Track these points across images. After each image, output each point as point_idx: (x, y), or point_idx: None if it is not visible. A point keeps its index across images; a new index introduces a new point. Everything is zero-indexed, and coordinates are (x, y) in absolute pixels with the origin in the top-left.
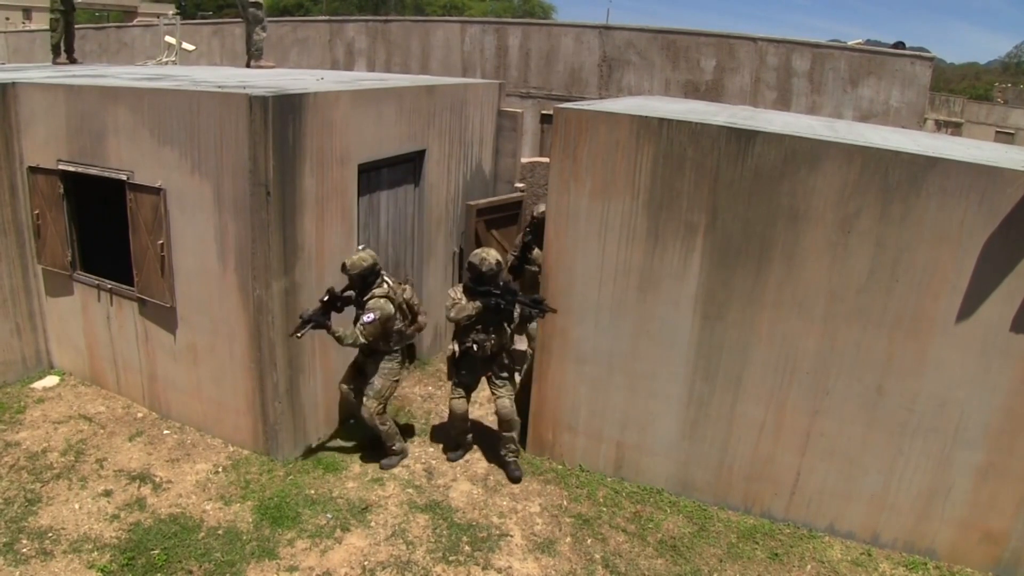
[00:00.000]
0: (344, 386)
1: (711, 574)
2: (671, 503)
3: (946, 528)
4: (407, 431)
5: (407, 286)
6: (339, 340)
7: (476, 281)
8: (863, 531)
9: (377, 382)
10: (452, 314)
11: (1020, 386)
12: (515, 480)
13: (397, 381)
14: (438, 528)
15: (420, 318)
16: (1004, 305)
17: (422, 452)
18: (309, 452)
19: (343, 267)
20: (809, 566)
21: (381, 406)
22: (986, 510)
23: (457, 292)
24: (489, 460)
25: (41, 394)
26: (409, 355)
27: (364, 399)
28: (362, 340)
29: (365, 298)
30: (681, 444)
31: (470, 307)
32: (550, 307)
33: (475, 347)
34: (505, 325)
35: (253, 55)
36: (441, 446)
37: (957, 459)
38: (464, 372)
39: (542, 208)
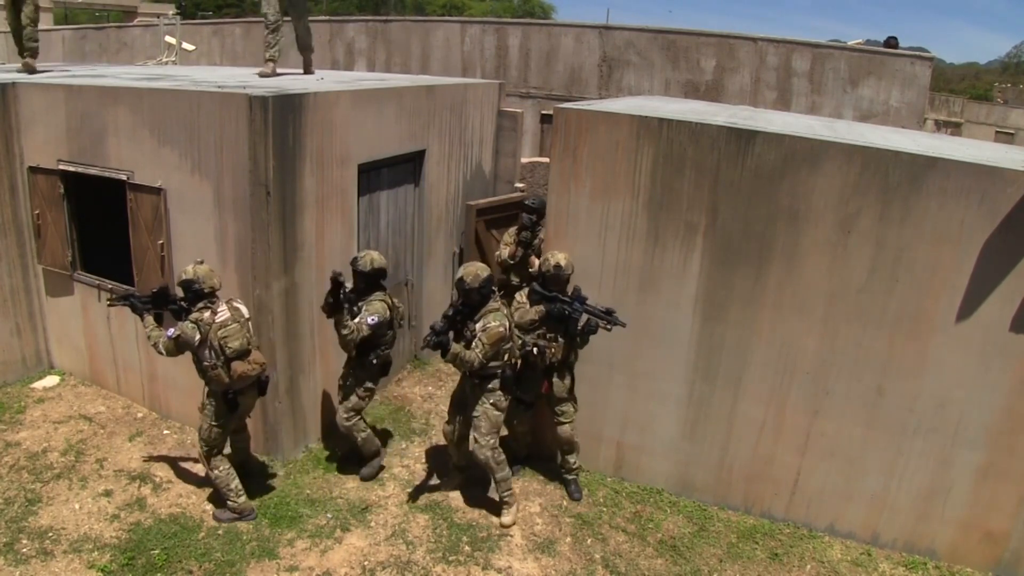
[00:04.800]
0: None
1: (711, 574)
2: (671, 503)
3: (946, 528)
4: (407, 432)
5: (236, 325)
6: (148, 336)
7: (543, 284)
8: (863, 531)
9: (202, 419)
10: (515, 318)
11: (1020, 386)
12: (575, 500)
13: (219, 428)
14: (438, 528)
15: (236, 364)
16: (1004, 305)
17: (422, 452)
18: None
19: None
20: (809, 566)
21: (206, 449)
22: (986, 510)
23: (522, 296)
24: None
25: (41, 394)
26: (230, 406)
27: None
28: (161, 349)
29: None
30: (681, 444)
31: (532, 311)
32: (620, 320)
33: (535, 350)
34: (571, 337)
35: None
36: (439, 444)
37: (957, 459)
38: (522, 388)
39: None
